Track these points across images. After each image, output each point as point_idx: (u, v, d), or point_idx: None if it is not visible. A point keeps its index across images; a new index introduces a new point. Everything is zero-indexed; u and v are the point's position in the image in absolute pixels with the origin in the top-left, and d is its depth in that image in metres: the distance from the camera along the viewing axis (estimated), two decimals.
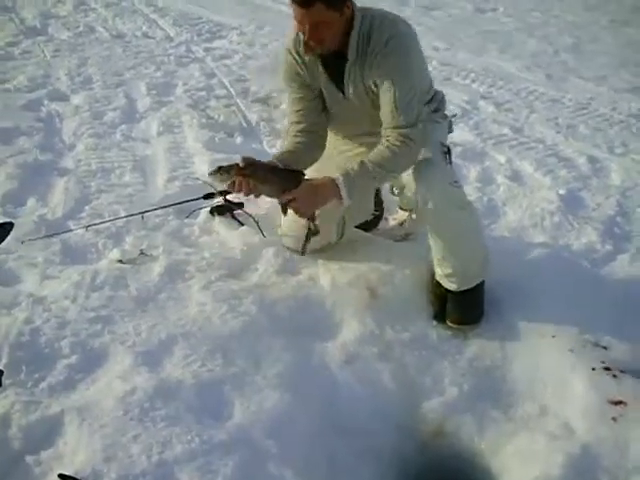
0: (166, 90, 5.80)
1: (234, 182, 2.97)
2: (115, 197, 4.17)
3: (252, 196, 3.05)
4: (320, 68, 3.16)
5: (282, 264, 3.52)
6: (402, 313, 3.31)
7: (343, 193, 2.94)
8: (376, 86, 3.06)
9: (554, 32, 8.26)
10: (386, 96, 3.01)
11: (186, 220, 3.90)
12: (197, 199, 3.88)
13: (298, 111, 3.25)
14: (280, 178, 3.02)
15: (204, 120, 5.14)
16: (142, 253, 3.58)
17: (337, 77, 3.14)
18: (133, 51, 6.75)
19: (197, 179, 4.23)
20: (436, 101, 3.37)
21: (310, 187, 2.98)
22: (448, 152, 3.27)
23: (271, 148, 4.82)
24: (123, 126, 5.10)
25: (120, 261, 3.51)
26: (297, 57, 3.18)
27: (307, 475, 2.51)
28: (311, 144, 3.23)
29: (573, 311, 3.38)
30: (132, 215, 3.82)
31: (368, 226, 3.86)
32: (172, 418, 2.55)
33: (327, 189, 2.96)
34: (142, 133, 5.03)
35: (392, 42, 2.96)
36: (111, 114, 5.29)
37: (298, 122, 3.24)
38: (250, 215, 3.83)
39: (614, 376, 3.04)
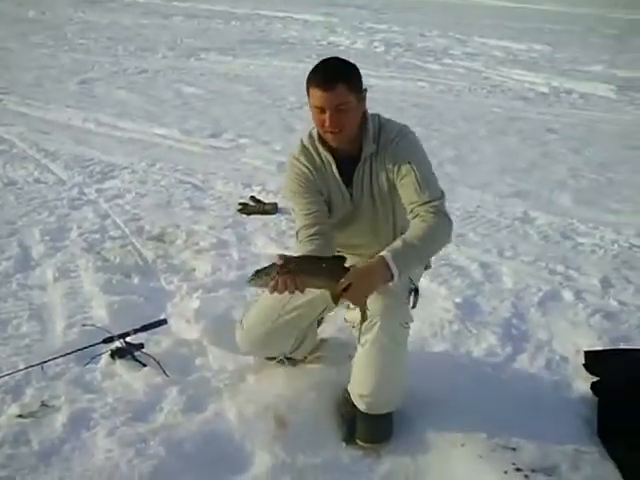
0: (60, 235, 5.76)
1: (276, 282, 2.90)
2: (13, 349, 4.06)
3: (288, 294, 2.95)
4: (334, 169, 3.25)
5: (187, 402, 3.50)
6: (312, 439, 3.30)
7: (394, 270, 2.89)
8: (388, 179, 3.20)
9: (437, 145, 8.58)
10: (407, 178, 3.12)
11: (87, 366, 3.83)
12: (96, 344, 3.84)
13: (309, 214, 3.24)
14: (328, 266, 2.97)
15: (100, 263, 5.11)
16: (43, 405, 3.48)
17: (347, 179, 3.26)
18: (25, 198, 6.70)
19: (92, 325, 4.18)
20: None
21: (361, 271, 2.92)
22: (415, 292, 3.33)
23: (169, 284, 4.82)
24: (18, 275, 5.02)
25: (20, 415, 3.39)
26: (307, 163, 3.27)
27: None
28: (324, 248, 3.17)
29: (480, 416, 3.44)
30: (31, 366, 3.73)
31: None
32: None
33: (378, 269, 2.91)
34: (38, 280, 4.96)
35: (402, 132, 3.21)
36: (5, 264, 5.21)
37: (310, 225, 3.21)
38: (151, 355, 3.80)
39: (526, 476, 3.10)
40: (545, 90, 11.70)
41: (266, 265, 2.95)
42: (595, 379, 3.83)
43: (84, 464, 3.06)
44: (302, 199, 3.28)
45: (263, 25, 17.88)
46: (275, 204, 6.23)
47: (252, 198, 6.36)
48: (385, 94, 11.18)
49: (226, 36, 16.11)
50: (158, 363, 3.74)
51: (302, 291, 2.97)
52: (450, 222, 3.11)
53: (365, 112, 3.22)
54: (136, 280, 4.89)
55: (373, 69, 13.21)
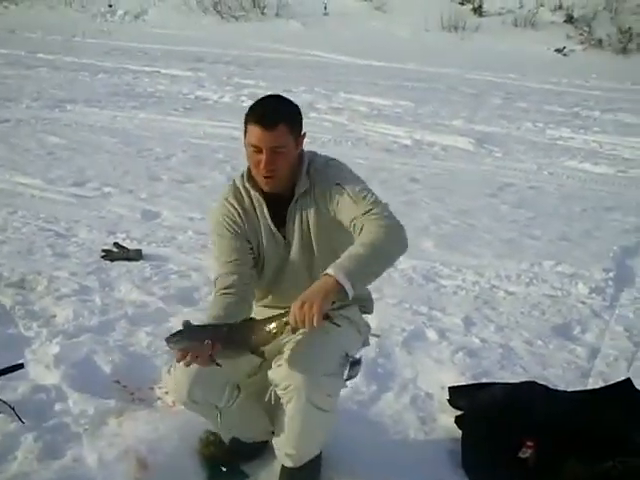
0: None
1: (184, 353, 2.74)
2: None
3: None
4: (264, 211, 3.09)
5: (43, 449, 3.35)
6: None
7: (346, 284, 2.66)
8: (323, 212, 3.04)
9: None
10: (341, 200, 2.97)
11: None
12: None
13: (231, 262, 3.06)
14: (239, 332, 2.83)
15: None
16: None
17: (280, 221, 3.10)
18: None
19: None
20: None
21: (306, 294, 2.66)
22: (351, 364, 3.19)
23: (27, 331, 4.63)
24: None
25: None
26: (237, 206, 3.11)
27: None
28: (242, 301, 3.03)
29: (346, 453, 3.46)
30: None
31: None
32: None
33: (328, 286, 2.67)
34: None
35: (328, 163, 3.11)
36: None
37: (229, 273, 3.04)
38: (5, 402, 3.61)
39: None
40: (408, 143, 12.02)
41: (179, 330, 2.81)
42: (459, 413, 3.90)
43: None
44: (226, 243, 3.12)
45: (130, 79, 17.72)
46: (139, 250, 6.12)
47: (116, 245, 6.23)
48: None
49: (92, 88, 15.88)
50: (13, 409, 3.55)
51: (215, 362, 2.80)
52: (399, 224, 2.91)
53: (302, 153, 3.11)
54: None
55: (240, 122, 13.13)
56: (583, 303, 5.69)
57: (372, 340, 4.58)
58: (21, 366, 3.92)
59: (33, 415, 3.59)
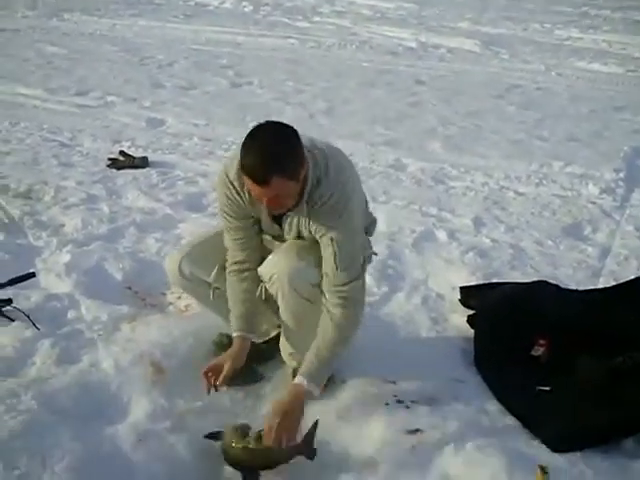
0: None
1: None
2: None
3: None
4: (264, 210, 3.00)
5: (60, 354, 3.36)
6: (191, 383, 3.23)
7: (315, 392, 2.90)
8: (314, 232, 2.97)
9: (309, 98, 8.56)
10: (326, 252, 2.95)
11: None
12: None
13: (238, 239, 3.14)
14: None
15: None
16: None
17: (277, 218, 3.04)
18: None
19: None
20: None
21: (283, 413, 2.80)
22: None
23: (37, 240, 4.61)
24: None
25: None
26: (240, 191, 2.98)
27: None
28: (253, 277, 3.13)
29: (360, 353, 3.43)
30: None
31: None
32: None
33: (297, 400, 2.86)
34: None
35: (335, 196, 2.87)
36: None
37: (240, 249, 3.14)
38: (20, 309, 3.63)
39: (407, 407, 3.15)
40: (413, 45, 11.86)
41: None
42: (471, 312, 3.91)
43: None
44: (232, 223, 3.11)
45: None
46: (145, 158, 6.08)
47: (122, 153, 6.18)
48: (255, 51, 11.07)
49: None
50: (28, 317, 3.58)
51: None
52: (359, 308, 3.07)
53: (305, 174, 2.82)
54: (1, 237, 4.67)
55: (242, 27, 13.07)
56: (593, 203, 5.68)
57: (382, 243, 4.61)
58: (33, 275, 3.93)
59: (47, 322, 3.61)
